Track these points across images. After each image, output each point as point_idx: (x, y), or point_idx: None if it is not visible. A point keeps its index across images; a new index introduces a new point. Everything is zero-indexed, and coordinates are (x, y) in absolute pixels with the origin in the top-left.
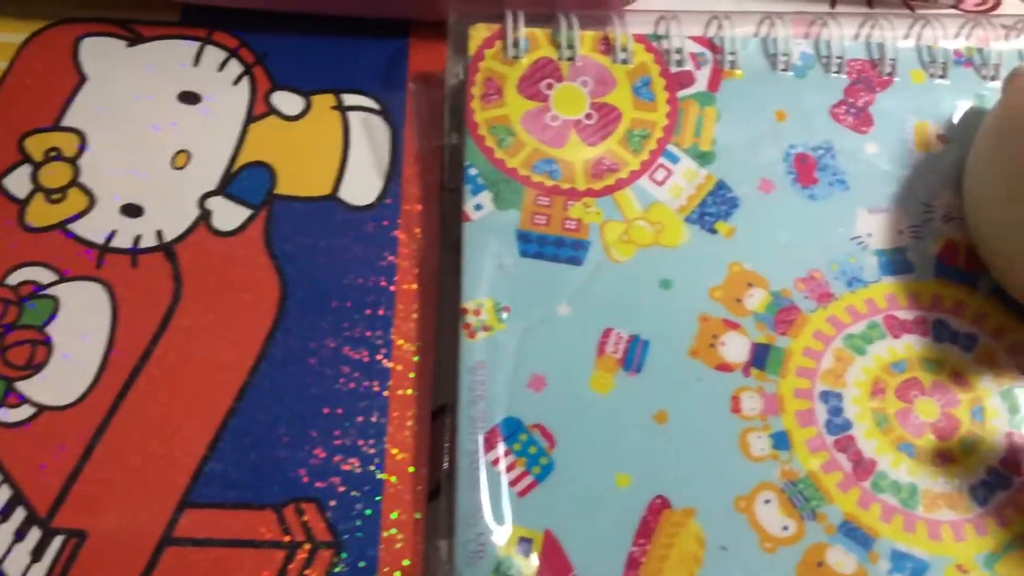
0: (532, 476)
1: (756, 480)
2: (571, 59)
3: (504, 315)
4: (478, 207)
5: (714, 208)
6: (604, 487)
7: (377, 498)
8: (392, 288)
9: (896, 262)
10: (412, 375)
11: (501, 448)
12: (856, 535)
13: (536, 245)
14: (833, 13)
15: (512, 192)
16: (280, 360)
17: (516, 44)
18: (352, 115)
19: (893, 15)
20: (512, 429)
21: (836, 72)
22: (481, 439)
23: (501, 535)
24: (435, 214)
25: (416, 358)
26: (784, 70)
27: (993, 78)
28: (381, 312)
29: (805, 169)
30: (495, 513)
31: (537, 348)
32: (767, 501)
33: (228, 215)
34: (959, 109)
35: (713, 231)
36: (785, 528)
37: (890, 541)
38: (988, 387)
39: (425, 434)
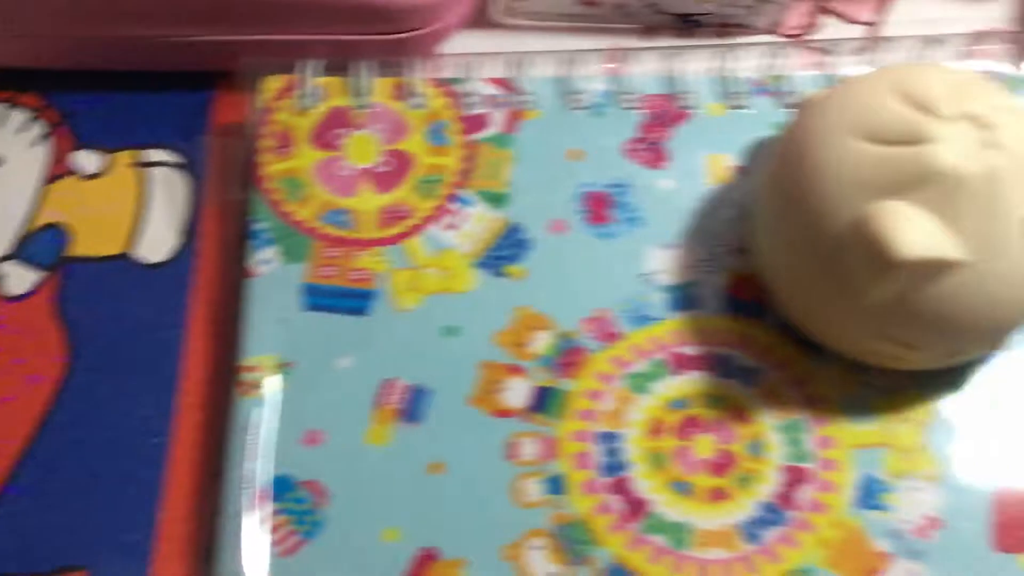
0: (300, 535)
1: (527, 526)
2: (365, 107)
3: (284, 371)
4: (264, 262)
5: (505, 251)
6: (371, 543)
7: (145, 565)
8: (182, 347)
9: (685, 297)
10: (195, 437)
11: (269, 508)
12: None
13: (321, 298)
14: (634, 49)
15: (299, 245)
16: (60, 426)
17: (308, 94)
18: (154, 171)
19: (694, 47)
20: (282, 487)
21: (632, 108)
22: (246, 499)
23: None
24: (234, 269)
25: (201, 419)
26: (581, 109)
27: (795, 106)
28: (168, 373)
29: (598, 208)
30: (256, 575)
31: (315, 403)
32: (536, 548)
33: (20, 279)
34: (757, 139)
35: (501, 275)
36: (551, 575)
37: None
38: (768, 421)
39: (203, 497)
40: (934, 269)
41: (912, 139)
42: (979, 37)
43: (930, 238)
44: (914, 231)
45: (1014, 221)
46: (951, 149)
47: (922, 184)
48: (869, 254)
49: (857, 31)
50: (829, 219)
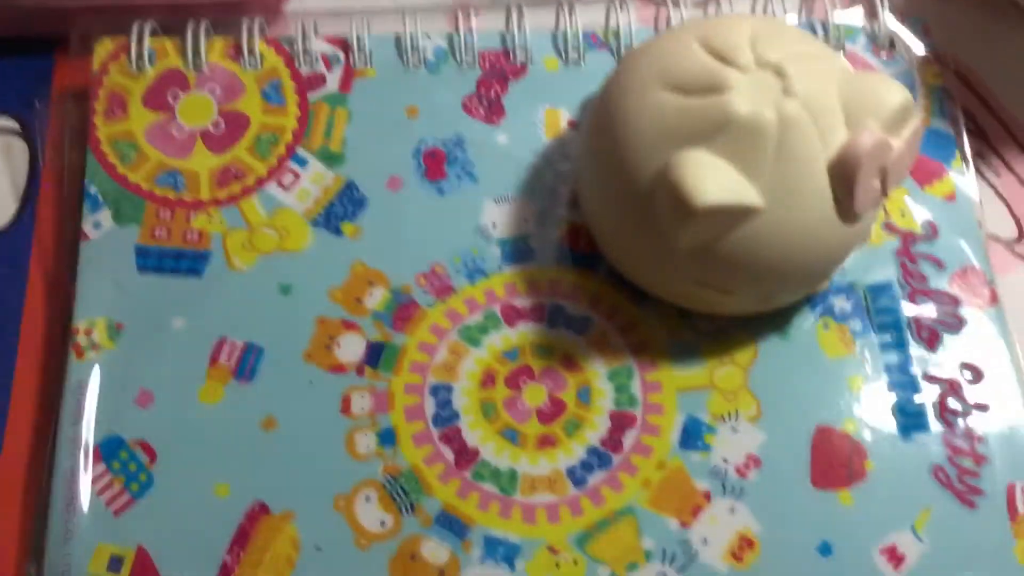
0: (129, 493)
1: (359, 478)
2: (199, 68)
3: (117, 332)
4: (96, 225)
5: (341, 209)
6: (202, 499)
7: None
8: (23, 311)
9: (519, 251)
10: (33, 399)
11: (100, 468)
12: (452, 525)
13: (155, 259)
14: (472, 4)
15: (133, 207)
16: None
17: (141, 56)
18: None
19: (534, 5)
20: (112, 447)
21: (469, 64)
22: (80, 459)
23: (88, 555)
24: (71, 233)
25: (38, 381)
26: (417, 66)
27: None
28: (9, 337)
29: (434, 164)
30: (87, 533)
31: (147, 363)
32: (367, 498)
33: None
34: (592, 91)
35: (339, 232)
36: (382, 523)
37: (485, 528)
38: (596, 369)
39: (39, 458)
40: (734, 215)
41: (711, 89)
42: None
43: (728, 185)
44: (712, 179)
45: (810, 168)
46: (747, 98)
47: (721, 132)
48: (672, 202)
49: None
50: (639, 169)
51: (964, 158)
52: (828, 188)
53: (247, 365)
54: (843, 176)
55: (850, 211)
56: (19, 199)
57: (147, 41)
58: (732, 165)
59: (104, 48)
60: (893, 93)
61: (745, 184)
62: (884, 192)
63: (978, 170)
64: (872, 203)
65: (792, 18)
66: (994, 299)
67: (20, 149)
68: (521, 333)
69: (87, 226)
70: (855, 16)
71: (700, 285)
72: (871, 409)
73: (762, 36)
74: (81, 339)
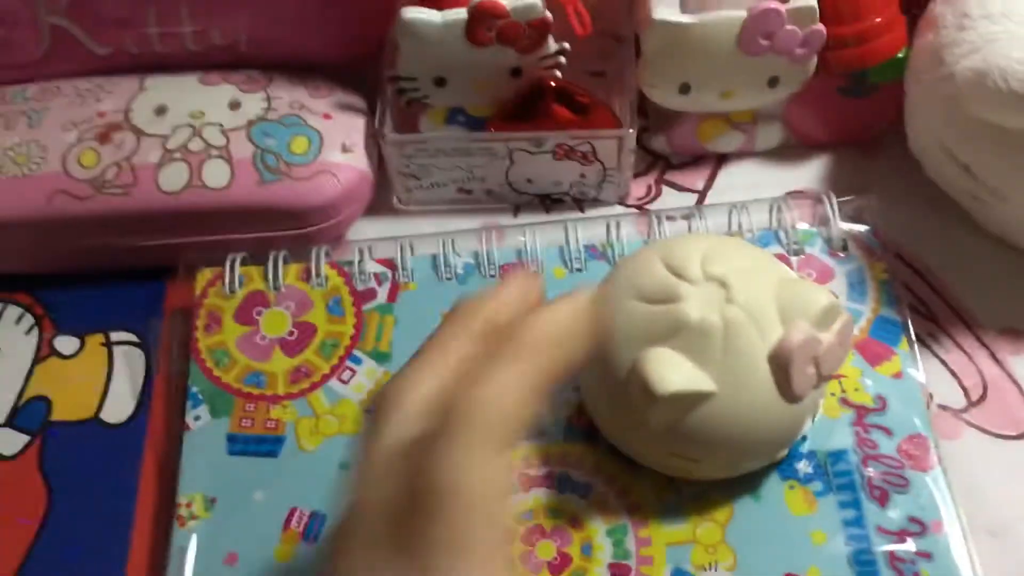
0: None
1: None
2: (277, 288)
3: (211, 504)
4: (197, 418)
5: None
6: None
7: None
8: (137, 489)
9: (534, 428)
10: (146, 562)
11: None
12: None
13: (241, 444)
14: (497, 227)
15: (225, 403)
16: (42, 560)
17: (233, 281)
18: (117, 349)
19: (543, 224)
20: None
21: (492, 276)
22: None
23: None
24: (177, 424)
25: (149, 546)
26: (449, 279)
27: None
28: (126, 511)
29: None
30: None
31: (234, 529)
32: None
33: (11, 442)
34: None
35: None
36: None
37: None
38: (597, 527)
39: None
40: (691, 399)
41: (668, 298)
42: (775, 201)
43: (685, 375)
44: (671, 370)
45: (753, 360)
46: (696, 306)
47: (678, 334)
48: (640, 389)
49: (691, 198)
50: (617, 363)
51: (910, 341)
52: (770, 376)
53: (313, 529)
54: (780, 366)
55: (790, 394)
56: (136, 398)
57: (238, 270)
58: (688, 359)
59: (204, 276)
60: (820, 296)
61: (699, 374)
62: (821, 377)
63: (929, 347)
64: (808, 386)
65: (761, 226)
66: (937, 461)
67: (138, 357)
68: (535, 497)
69: (189, 419)
70: (813, 224)
71: (671, 455)
72: (831, 559)
73: (711, 253)
74: (183, 511)
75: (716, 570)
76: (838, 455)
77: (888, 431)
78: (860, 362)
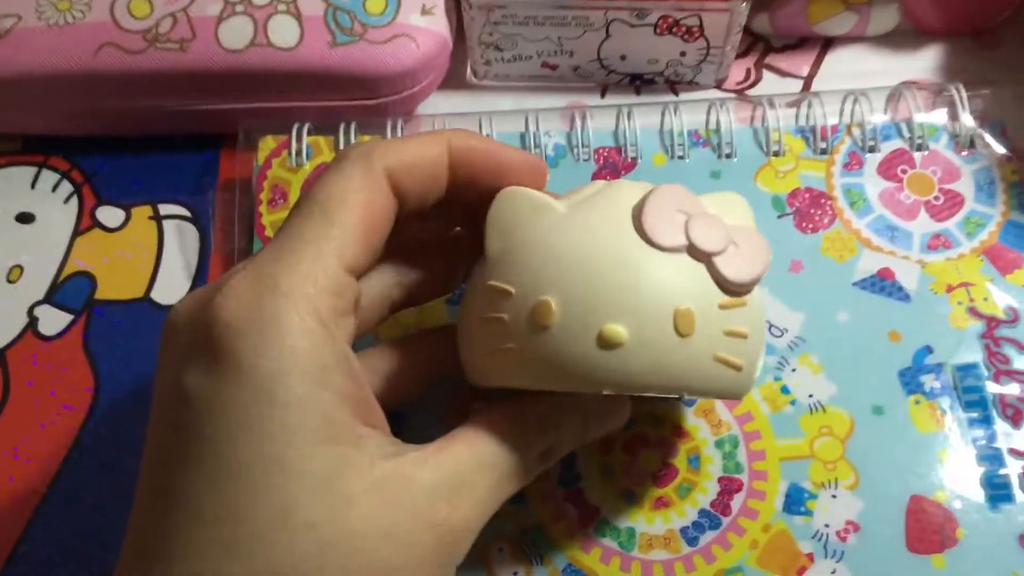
0: None
1: (493, 532)
2: None
3: None
4: None
5: None
6: None
7: None
8: None
9: None
10: None
11: None
12: None
13: None
14: (589, 108)
15: None
16: (90, 448)
17: (300, 152)
18: (167, 223)
19: (638, 105)
20: None
21: (585, 160)
22: None
23: None
24: None
25: None
26: None
27: (728, 156)
28: None
29: None
30: None
31: None
32: (500, 550)
33: (52, 321)
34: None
35: None
36: (515, 574)
37: None
38: (705, 437)
39: None
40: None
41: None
42: (897, 89)
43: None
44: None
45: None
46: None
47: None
48: None
49: (794, 85)
50: None
51: None
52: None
53: None
54: (637, 212)
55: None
56: (191, 277)
57: (305, 139)
58: None
59: (267, 145)
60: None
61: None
62: (694, 246)
63: None
64: (669, 238)
65: (878, 116)
66: None
67: (191, 232)
68: (636, 405)
69: None
70: (938, 117)
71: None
72: (960, 480)
73: None
74: None
75: (836, 488)
76: (967, 369)
77: (1021, 345)
78: (989, 269)
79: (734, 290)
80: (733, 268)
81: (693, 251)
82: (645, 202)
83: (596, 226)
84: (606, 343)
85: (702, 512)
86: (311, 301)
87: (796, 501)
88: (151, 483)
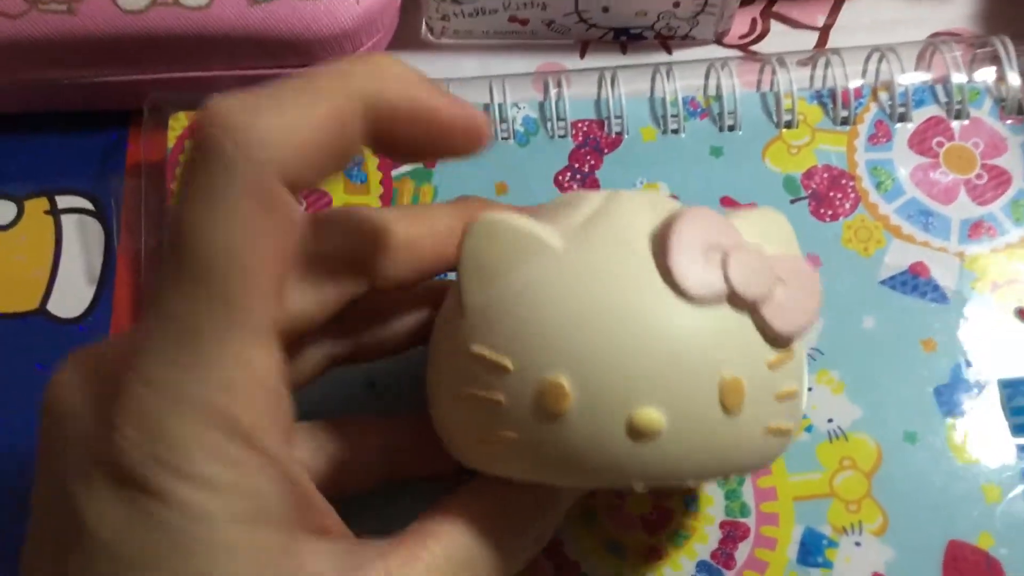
0: None
1: None
2: None
3: None
4: None
5: None
6: None
7: None
8: None
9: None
10: None
11: None
12: None
13: None
14: (564, 70)
15: None
16: None
17: None
18: (65, 218)
19: (624, 68)
20: None
21: (560, 136)
22: None
23: None
24: None
25: None
26: (506, 138)
27: (731, 128)
28: None
29: None
30: None
31: None
32: None
33: None
34: (692, 164)
35: None
36: None
37: None
38: None
39: None
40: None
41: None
42: (931, 44)
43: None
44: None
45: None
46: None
47: None
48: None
49: (808, 38)
50: None
51: None
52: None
53: None
54: (661, 242)
55: (672, 282)
56: (95, 283)
57: None
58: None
59: (179, 124)
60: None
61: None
62: (735, 292)
63: None
64: (703, 285)
65: (910, 77)
66: None
67: (94, 228)
68: None
69: None
70: (980, 77)
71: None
72: (1008, 521)
73: None
74: None
75: (860, 533)
76: (1015, 386)
77: None
78: None
79: (783, 343)
80: (783, 317)
81: (735, 299)
82: (668, 236)
83: (608, 271)
84: (639, 433)
85: (701, 564)
86: (228, 413)
87: (813, 550)
88: None
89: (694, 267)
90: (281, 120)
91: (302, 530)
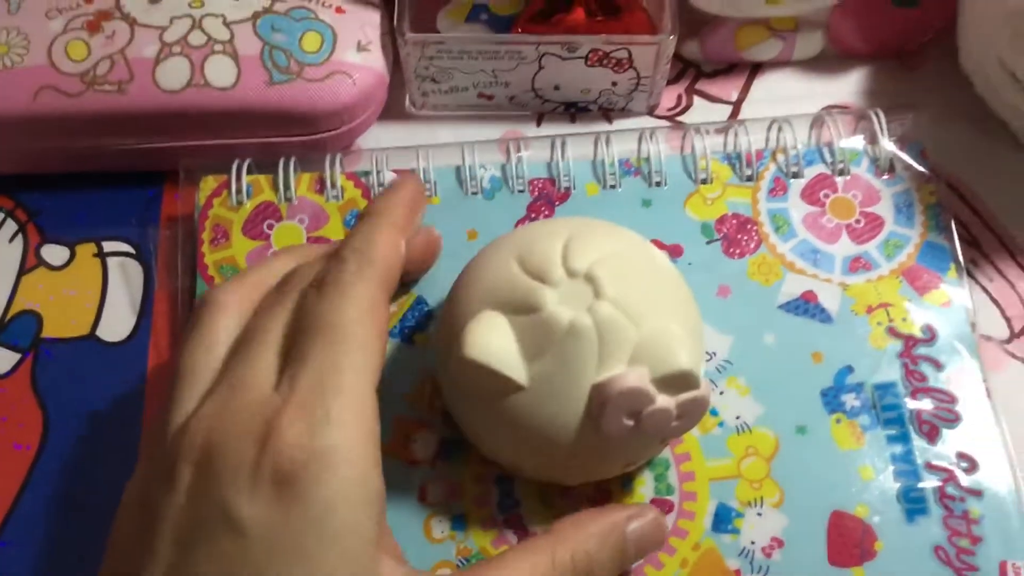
0: None
1: (436, 559)
2: (289, 200)
3: None
4: None
5: (412, 321)
6: None
7: None
8: (143, 414)
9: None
10: None
11: None
12: None
13: None
14: (524, 139)
15: None
16: (42, 486)
17: (240, 191)
18: (111, 260)
19: (572, 136)
20: None
21: (520, 191)
22: None
23: None
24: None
25: None
26: (475, 193)
27: (659, 184)
28: (132, 436)
29: None
30: None
31: None
32: None
33: (1, 360)
34: (627, 213)
35: (411, 342)
36: None
37: None
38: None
39: None
40: (495, 380)
41: (531, 308)
42: (820, 116)
43: (498, 353)
44: (489, 340)
45: (579, 379)
46: (563, 311)
47: (550, 340)
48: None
49: (723, 110)
50: None
51: (958, 268)
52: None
53: None
54: (597, 402)
55: (598, 430)
56: (136, 314)
57: (244, 178)
58: (520, 341)
59: (208, 185)
60: (679, 359)
61: (516, 362)
62: (643, 432)
63: (972, 276)
64: (618, 434)
65: (803, 144)
66: (987, 395)
67: (135, 269)
68: None
69: None
70: (858, 142)
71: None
72: (879, 495)
73: (570, 244)
74: None
75: (762, 506)
76: (885, 388)
77: (937, 363)
78: (907, 290)
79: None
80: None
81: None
82: (603, 414)
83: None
84: None
85: None
86: (358, 431)
87: (724, 520)
88: None
89: (614, 427)
90: (378, 249)
91: (381, 545)
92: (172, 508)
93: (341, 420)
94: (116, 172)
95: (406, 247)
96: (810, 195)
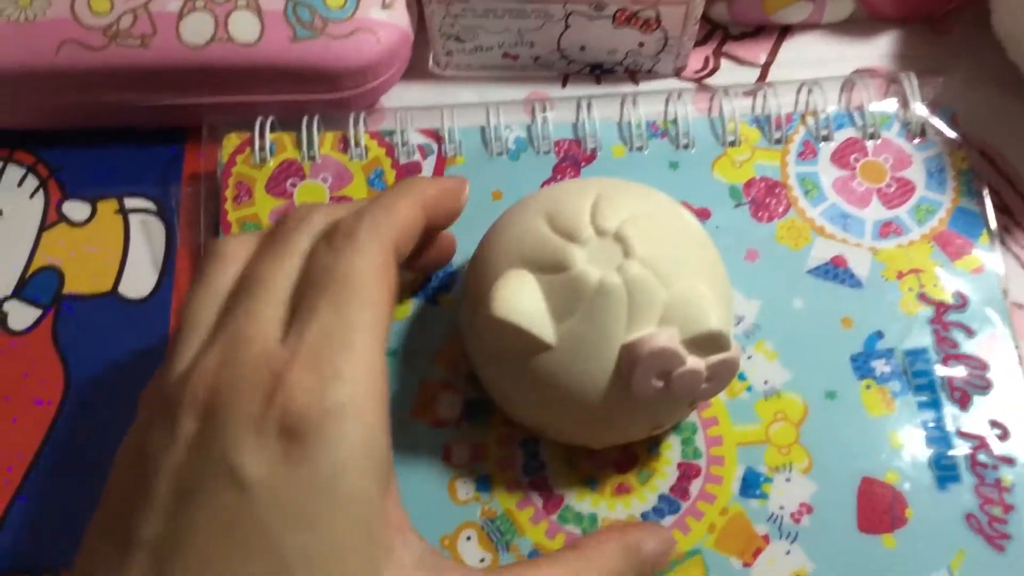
0: None
1: (461, 520)
2: (312, 158)
3: None
4: None
5: (437, 282)
6: None
7: None
8: None
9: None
10: None
11: None
12: None
13: None
14: (548, 98)
15: None
16: (62, 442)
17: (263, 148)
18: (132, 217)
19: (598, 97)
20: None
21: (545, 152)
22: None
23: None
24: None
25: None
26: (500, 154)
27: (686, 146)
28: None
29: None
30: None
31: None
32: (468, 538)
33: (21, 316)
34: (654, 175)
35: (436, 302)
36: (482, 560)
37: None
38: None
39: None
40: (523, 339)
41: (560, 267)
42: (850, 79)
43: (527, 312)
44: (518, 300)
45: (608, 339)
46: (592, 270)
47: (580, 299)
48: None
49: (751, 73)
50: None
51: (990, 234)
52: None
53: None
54: (627, 362)
55: (627, 391)
56: (158, 271)
57: (268, 136)
58: (548, 299)
59: (231, 142)
60: (709, 319)
61: (544, 319)
62: (673, 394)
63: (1004, 243)
64: (647, 396)
65: (833, 108)
66: (1019, 362)
67: (157, 226)
68: None
69: None
70: (890, 105)
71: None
72: (910, 462)
73: (600, 203)
74: None
75: (791, 471)
76: (916, 354)
77: (969, 330)
78: (939, 255)
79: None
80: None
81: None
82: (632, 376)
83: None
84: None
85: (662, 497)
86: (368, 390)
87: (752, 485)
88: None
89: (643, 389)
90: (390, 216)
91: (393, 513)
92: (172, 458)
93: (352, 377)
94: (138, 128)
95: (430, 241)
96: (840, 159)
